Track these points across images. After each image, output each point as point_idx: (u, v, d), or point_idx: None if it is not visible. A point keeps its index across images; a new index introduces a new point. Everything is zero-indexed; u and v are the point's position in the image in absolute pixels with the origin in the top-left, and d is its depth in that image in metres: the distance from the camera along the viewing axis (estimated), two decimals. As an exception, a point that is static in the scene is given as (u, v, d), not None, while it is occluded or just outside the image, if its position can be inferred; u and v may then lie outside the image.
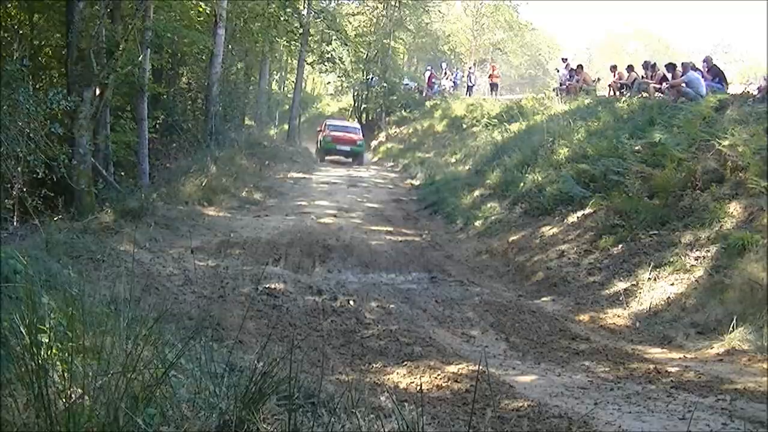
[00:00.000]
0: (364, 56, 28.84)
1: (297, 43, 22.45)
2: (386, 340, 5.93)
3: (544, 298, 7.99)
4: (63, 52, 12.37)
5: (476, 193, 13.60)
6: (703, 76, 13.04)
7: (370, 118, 30.58)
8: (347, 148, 23.89)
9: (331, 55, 24.22)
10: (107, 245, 7.78)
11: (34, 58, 14.61)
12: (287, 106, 29.11)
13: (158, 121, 17.89)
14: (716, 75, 13.40)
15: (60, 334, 2.56)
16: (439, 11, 34.81)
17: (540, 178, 11.74)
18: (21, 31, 14.79)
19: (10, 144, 8.11)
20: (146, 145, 15.39)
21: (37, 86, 14.64)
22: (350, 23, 30.26)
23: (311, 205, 13.67)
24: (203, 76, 20.59)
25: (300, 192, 15.65)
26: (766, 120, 9.02)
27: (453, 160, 19.24)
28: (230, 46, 21.66)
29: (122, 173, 14.78)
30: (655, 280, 7.42)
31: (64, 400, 2.10)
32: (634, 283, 7.61)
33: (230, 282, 7.46)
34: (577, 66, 19.69)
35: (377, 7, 29.83)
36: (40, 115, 8.53)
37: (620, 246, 8.54)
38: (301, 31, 20.90)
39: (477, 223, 11.86)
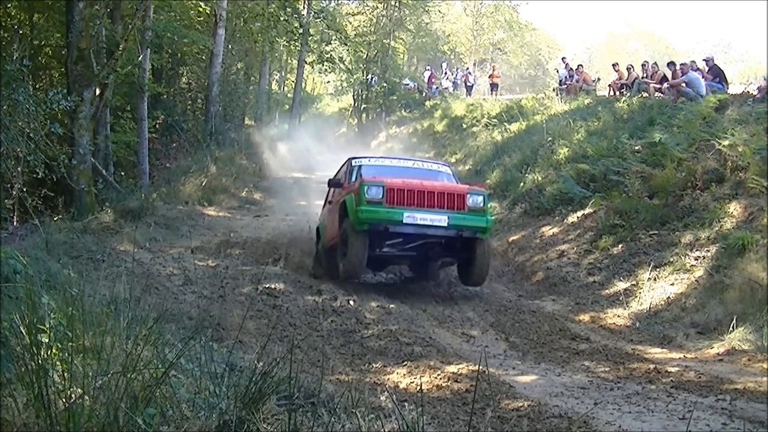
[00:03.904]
0: (364, 56, 28.82)
1: (297, 43, 22.40)
2: (386, 340, 5.92)
3: (544, 298, 7.99)
4: (63, 52, 12.37)
5: (476, 193, 13.59)
6: (703, 76, 13.05)
7: (370, 118, 30.57)
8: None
9: (331, 55, 23.95)
10: (107, 245, 7.78)
11: (34, 58, 14.62)
12: (287, 106, 29.09)
13: (158, 121, 17.92)
14: (716, 75, 13.41)
15: (60, 334, 2.56)
16: (439, 11, 34.76)
17: (540, 178, 11.75)
18: (21, 31, 14.80)
19: (10, 144, 8.11)
20: (146, 145, 15.41)
21: (37, 86, 14.67)
22: (350, 23, 30.24)
23: (311, 205, 13.66)
24: (203, 76, 20.60)
25: (300, 192, 15.64)
26: (766, 120, 9.03)
27: (453, 160, 19.20)
28: (230, 46, 21.65)
29: (122, 173, 14.79)
30: (655, 280, 7.42)
31: (64, 400, 2.10)
32: (634, 283, 7.62)
33: (230, 282, 7.46)
34: (577, 66, 19.73)
35: (377, 7, 29.80)
36: (40, 115, 8.52)
37: (620, 246, 8.54)
38: (301, 31, 20.88)
39: (477, 223, 11.85)
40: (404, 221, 7.32)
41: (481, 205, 7.59)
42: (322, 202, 12.33)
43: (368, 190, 7.45)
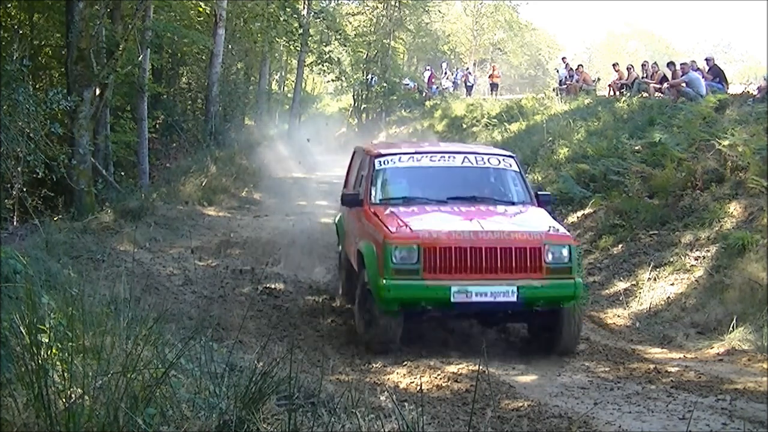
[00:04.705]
0: (364, 56, 28.83)
1: (297, 44, 22.40)
2: (386, 340, 5.91)
3: (544, 298, 7.98)
4: (63, 52, 12.36)
5: (476, 193, 13.58)
6: (703, 76, 13.06)
7: (370, 118, 30.58)
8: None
9: (330, 56, 23.95)
10: (107, 245, 7.78)
11: (34, 58, 14.60)
12: (287, 106, 29.09)
13: (158, 121, 17.90)
14: (716, 75, 13.42)
15: (60, 334, 2.57)
16: (439, 11, 34.78)
17: (540, 178, 11.74)
18: (21, 31, 14.79)
19: (10, 144, 8.11)
20: (146, 145, 15.40)
21: (37, 86, 14.66)
22: (350, 23, 30.25)
23: (311, 205, 13.66)
24: (203, 76, 20.58)
25: (300, 192, 15.62)
26: (766, 120, 9.03)
27: (453, 160, 19.17)
28: (230, 46, 21.64)
29: (122, 173, 14.77)
30: (655, 280, 7.42)
31: (64, 400, 2.11)
32: (634, 283, 7.62)
33: (230, 282, 7.46)
34: (577, 66, 19.75)
35: (377, 7, 29.82)
36: (40, 115, 8.52)
37: (620, 246, 8.54)
38: (300, 31, 20.88)
39: (477, 223, 11.84)
40: (453, 300, 5.14)
41: (567, 261, 5.28)
42: (323, 202, 12.31)
43: (396, 254, 5.18)
